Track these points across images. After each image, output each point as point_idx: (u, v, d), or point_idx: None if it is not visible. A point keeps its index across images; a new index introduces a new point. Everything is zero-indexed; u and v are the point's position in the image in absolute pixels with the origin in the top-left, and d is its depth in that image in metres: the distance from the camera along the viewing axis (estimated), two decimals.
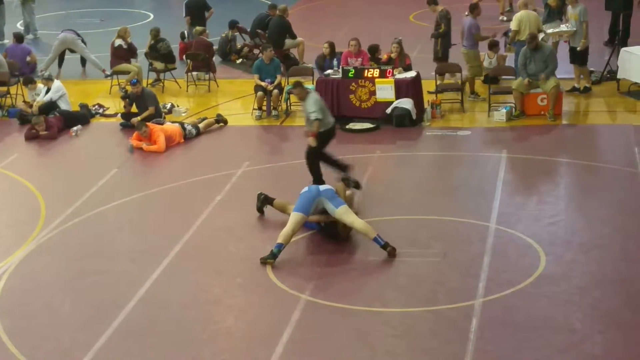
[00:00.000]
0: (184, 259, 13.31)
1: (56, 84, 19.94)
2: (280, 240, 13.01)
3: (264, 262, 12.92)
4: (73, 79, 22.25)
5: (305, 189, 13.53)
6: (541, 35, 19.57)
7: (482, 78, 20.66)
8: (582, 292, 11.94)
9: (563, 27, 19.93)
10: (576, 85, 19.93)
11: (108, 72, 21.99)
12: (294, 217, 13.23)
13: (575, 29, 19.67)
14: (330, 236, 13.55)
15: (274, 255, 12.93)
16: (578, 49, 19.56)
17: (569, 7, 19.90)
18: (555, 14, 20.98)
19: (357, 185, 14.80)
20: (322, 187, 13.48)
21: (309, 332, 11.34)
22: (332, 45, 20.28)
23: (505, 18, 25.58)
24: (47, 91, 19.85)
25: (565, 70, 19.87)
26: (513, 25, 19.93)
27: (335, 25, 26.22)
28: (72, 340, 11.35)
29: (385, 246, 12.96)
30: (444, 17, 20.19)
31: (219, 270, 12.95)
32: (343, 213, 13.23)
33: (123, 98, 19.88)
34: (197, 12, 23.76)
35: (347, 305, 11.87)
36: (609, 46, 22.22)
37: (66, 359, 11.00)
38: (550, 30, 19.96)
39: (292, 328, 11.36)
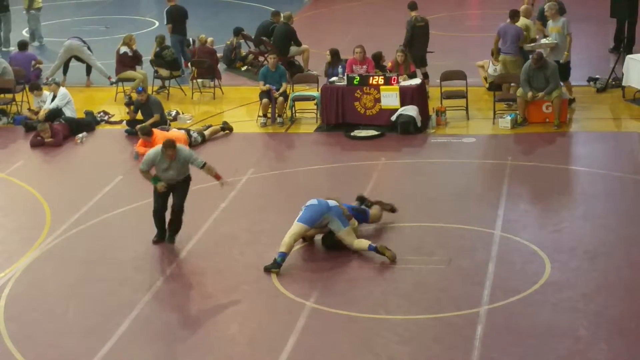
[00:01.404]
0: (188, 265, 13.32)
1: (62, 90, 19.98)
2: (282, 249, 13.02)
3: (268, 271, 12.93)
4: (78, 86, 22.28)
5: (314, 202, 13.46)
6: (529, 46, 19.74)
7: (487, 85, 20.70)
8: (587, 300, 11.93)
9: (544, 40, 19.84)
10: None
11: (113, 80, 22.04)
12: (298, 227, 13.22)
13: (556, 41, 19.48)
14: (329, 246, 13.55)
15: (277, 265, 12.94)
16: (561, 61, 19.27)
17: (550, 21, 19.66)
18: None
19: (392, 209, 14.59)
20: (331, 203, 13.44)
21: (314, 338, 11.34)
22: (334, 53, 20.29)
23: None
24: (54, 98, 19.90)
25: (573, 76, 19.85)
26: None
27: (340, 32, 26.24)
28: (77, 346, 11.37)
29: (376, 249, 13.04)
30: (409, 23, 20.29)
31: (224, 277, 12.96)
32: (347, 234, 13.31)
33: (127, 104, 19.90)
34: (179, 20, 23.19)
35: (352, 312, 11.87)
36: (614, 53, 22.21)
37: None
38: (536, 44, 19.95)
39: (296, 335, 11.37)
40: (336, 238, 13.42)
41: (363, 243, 13.26)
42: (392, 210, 14.45)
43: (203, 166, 13.80)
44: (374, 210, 14.20)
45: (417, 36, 20.32)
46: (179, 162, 13.76)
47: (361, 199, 14.42)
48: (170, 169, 13.75)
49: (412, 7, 20.52)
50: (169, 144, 13.69)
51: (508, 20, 19.83)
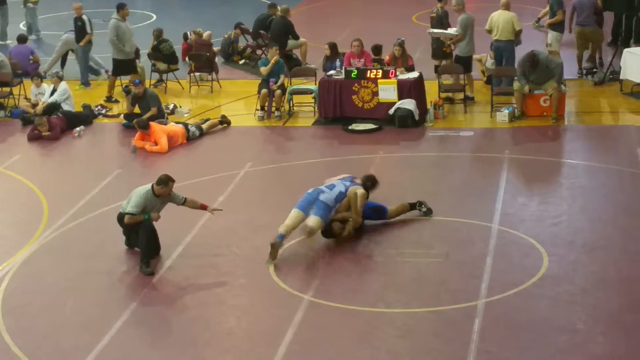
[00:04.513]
0: (186, 259, 13.31)
1: (63, 86, 19.94)
2: (281, 230, 13.16)
3: (272, 246, 13.02)
4: (75, 79, 22.25)
5: (310, 190, 13.58)
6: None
7: (485, 79, 20.70)
8: (585, 293, 11.94)
9: (451, 31, 20.07)
10: (469, 94, 19.86)
11: (111, 73, 21.99)
12: (292, 212, 13.38)
13: (456, 34, 19.80)
14: (328, 235, 13.59)
15: (279, 241, 13.06)
16: (457, 53, 19.88)
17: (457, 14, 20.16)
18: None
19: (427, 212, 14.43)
20: (322, 197, 13.47)
21: (312, 332, 11.34)
22: (332, 47, 20.29)
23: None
24: (53, 90, 19.87)
25: (569, 70, 19.82)
26: (487, 25, 19.99)
27: (337, 25, 26.23)
28: (75, 340, 11.36)
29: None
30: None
31: (222, 271, 12.95)
32: (310, 221, 13.33)
33: (125, 91, 19.84)
34: (78, 31, 22.10)
35: (350, 305, 11.87)
36: (612, 47, 22.22)
37: (69, 359, 11.03)
38: (436, 30, 20.21)
39: (294, 328, 11.37)
40: (332, 230, 13.45)
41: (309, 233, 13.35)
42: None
43: (184, 202, 13.45)
44: (393, 207, 14.18)
45: (432, 27, 20.46)
46: (165, 201, 13.38)
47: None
48: (154, 210, 13.26)
49: None
50: (170, 179, 13.24)
51: None
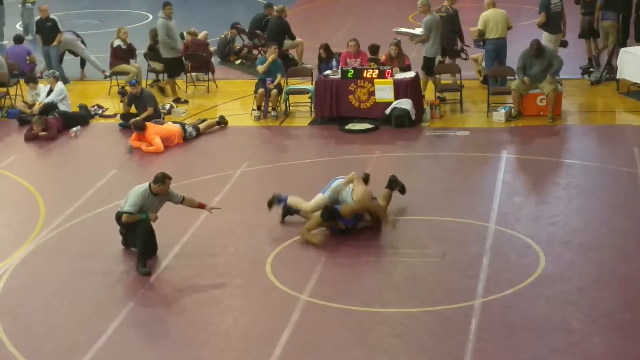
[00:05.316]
0: (183, 259, 13.31)
1: (59, 86, 19.93)
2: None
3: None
4: (72, 79, 22.25)
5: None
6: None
7: (481, 78, 20.70)
8: (581, 293, 11.95)
9: (417, 31, 20.13)
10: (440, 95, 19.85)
11: (107, 73, 22.01)
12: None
13: (422, 34, 19.79)
14: (327, 219, 13.72)
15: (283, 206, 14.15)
16: (424, 54, 19.87)
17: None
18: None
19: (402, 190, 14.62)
20: (333, 184, 14.08)
21: (308, 332, 11.35)
22: (326, 48, 20.28)
23: None
24: (50, 91, 19.86)
25: (565, 70, 19.83)
26: (480, 25, 19.92)
27: (333, 25, 26.23)
28: (72, 340, 11.37)
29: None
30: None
31: (219, 271, 12.96)
32: (317, 199, 14.05)
33: (120, 94, 19.84)
34: (49, 32, 22.17)
35: (346, 305, 11.87)
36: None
37: (65, 359, 11.05)
38: (403, 30, 20.30)
39: (291, 329, 11.37)
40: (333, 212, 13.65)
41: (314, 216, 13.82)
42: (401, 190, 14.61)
43: (182, 200, 13.42)
44: (380, 202, 14.23)
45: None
46: (163, 200, 13.37)
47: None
48: (152, 209, 13.23)
49: None
50: (166, 176, 13.19)
51: None
